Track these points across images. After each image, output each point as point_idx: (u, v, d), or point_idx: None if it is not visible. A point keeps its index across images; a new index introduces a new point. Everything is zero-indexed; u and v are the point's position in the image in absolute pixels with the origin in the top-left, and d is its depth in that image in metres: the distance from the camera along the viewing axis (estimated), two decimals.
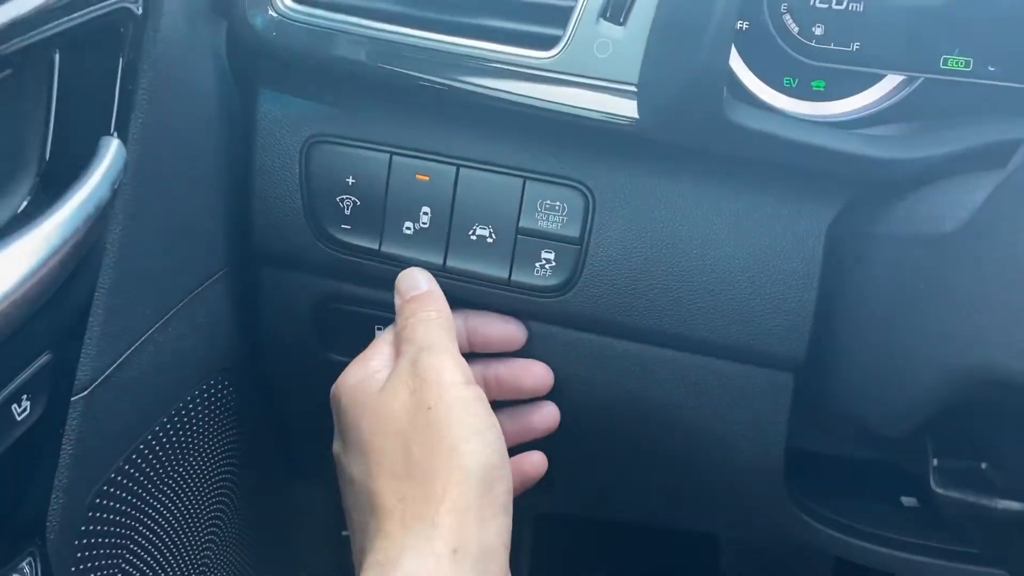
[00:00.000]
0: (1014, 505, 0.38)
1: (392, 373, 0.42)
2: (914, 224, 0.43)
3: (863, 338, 0.46)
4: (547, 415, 0.51)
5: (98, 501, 0.45)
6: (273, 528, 0.73)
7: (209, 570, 0.60)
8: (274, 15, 0.48)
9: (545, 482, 0.72)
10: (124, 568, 0.49)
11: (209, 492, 0.58)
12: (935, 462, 0.42)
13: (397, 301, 0.47)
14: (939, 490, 0.41)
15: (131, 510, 0.49)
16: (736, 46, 0.51)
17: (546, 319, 0.51)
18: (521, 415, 0.51)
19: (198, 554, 0.58)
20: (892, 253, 0.43)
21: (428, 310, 0.45)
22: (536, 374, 0.50)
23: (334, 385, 0.45)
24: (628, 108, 0.46)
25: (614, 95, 0.46)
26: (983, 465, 0.40)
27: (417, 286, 0.47)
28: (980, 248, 0.36)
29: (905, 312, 0.41)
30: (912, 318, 0.41)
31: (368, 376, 0.43)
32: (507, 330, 0.50)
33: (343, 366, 0.56)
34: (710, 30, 0.41)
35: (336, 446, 0.44)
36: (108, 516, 0.47)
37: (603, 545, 0.96)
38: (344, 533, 0.91)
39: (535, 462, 0.50)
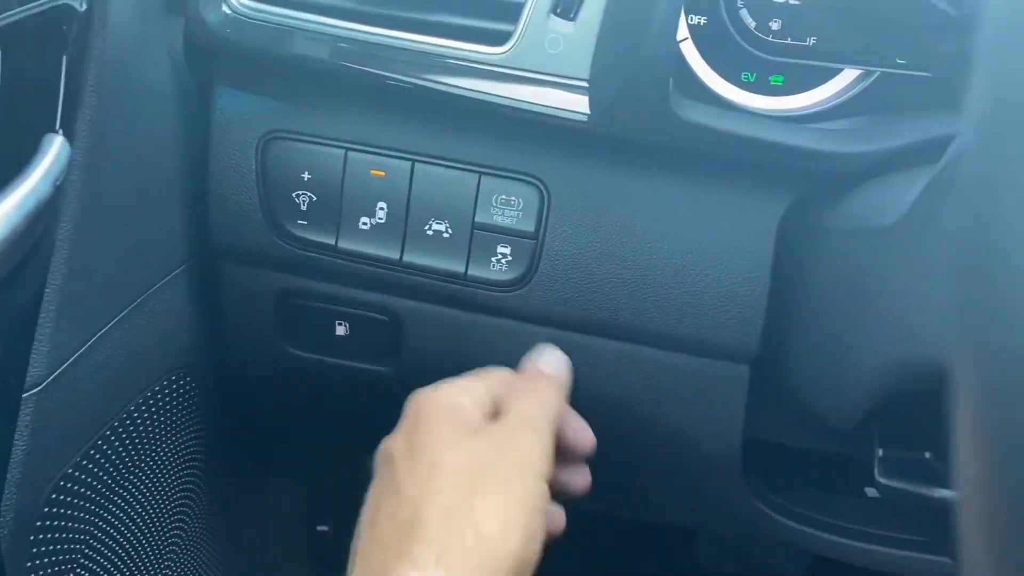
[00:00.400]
0: (952, 494, 0.38)
1: (491, 426, 0.41)
2: (860, 218, 0.43)
3: (813, 330, 0.46)
4: (584, 480, 0.48)
5: (55, 496, 0.46)
6: (243, 524, 0.73)
7: (175, 566, 0.60)
8: (228, 12, 0.48)
9: None
10: (84, 563, 0.49)
11: (173, 487, 0.58)
12: (880, 452, 0.42)
13: (530, 360, 0.46)
14: (882, 480, 0.41)
15: (91, 505, 0.49)
16: (694, 41, 0.51)
17: (503, 313, 0.51)
18: (559, 474, 0.47)
19: (163, 550, 0.58)
20: (839, 246, 0.44)
21: (551, 393, 0.44)
22: (586, 439, 0.48)
23: (422, 393, 0.43)
24: (580, 103, 0.46)
25: (565, 91, 0.46)
26: (927, 455, 0.41)
27: (552, 365, 0.46)
28: (914, 241, 0.37)
29: (850, 304, 0.42)
30: (856, 310, 0.41)
31: (461, 410, 0.42)
32: (585, 437, 0.48)
33: (305, 361, 0.57)
34: (654, 26, 0.41)
35: (396, 447, 0.42)
36: (66, 511, 0.47)
37: (584, 539, 0.96)
38: (319, 528, 0.91)
39: (556, 521, 0.47)
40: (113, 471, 0.50)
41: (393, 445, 0.42)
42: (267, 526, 0.82)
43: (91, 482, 0.49)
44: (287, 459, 0.73)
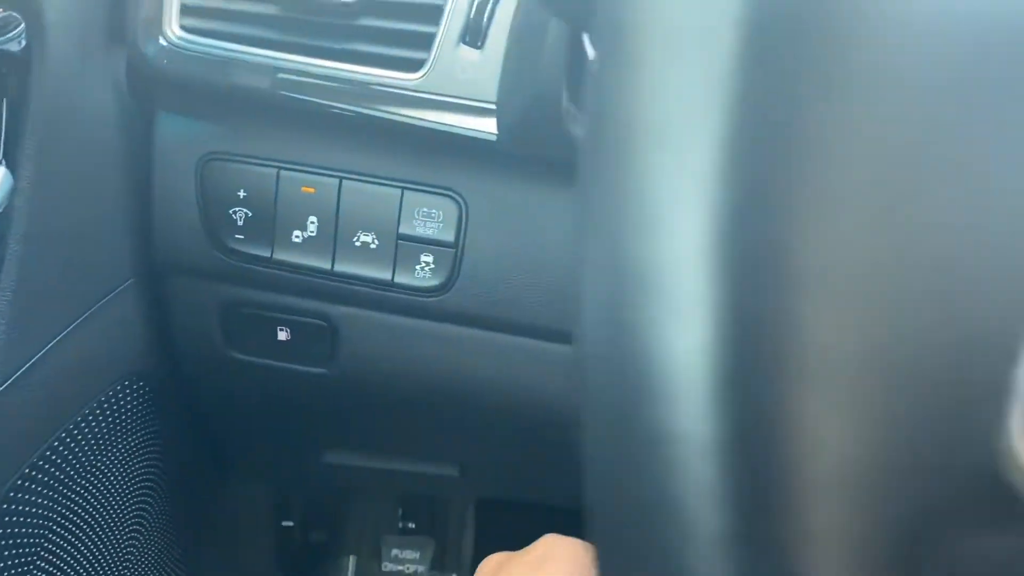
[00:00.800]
0: None
1: None
2: None
3: None
4: None
5: (13, 495, 0.49)
6: (206, 522, 0.77)
7: (133, 564, 0.64)
8: (165, 44, 0.52)
9: (460, 468, 0.77)
10: (45, 556, 0.53)
11: (131, 487, 0.62)
12: None
13: None
14: None
15: (49, 503, 0.53)
16: None
17: (430, 317, 0.55)
18: None
19: (122, 548, 0.62)
20: None
21: None
22: None
23: (557, 537, 0.43)
24: (488, 125, 0.50)
25: (475, 113, 0.50)
26: None
27: None
28: None
29: None
30: None
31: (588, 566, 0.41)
32: None
33: (250, 365, 0.61)
34: (546, 52, 0.45)
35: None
36: (24, 508, 0.51)
37: (544, 527, 1.00)
38: (285, 524, 0.95)
39: None
40: (71, 471, 0.54)
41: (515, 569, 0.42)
42: (231, 523, 0.86)
43: (50, 481, 0.52)
44: (244, 458, 0.77)
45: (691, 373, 0.13)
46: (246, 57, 0.52)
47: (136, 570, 0.64)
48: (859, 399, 0.12)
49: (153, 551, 0.67)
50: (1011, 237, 0.12)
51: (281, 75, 0.51)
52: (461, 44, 0.50)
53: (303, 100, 0.51)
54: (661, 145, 0.13)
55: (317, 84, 0.51)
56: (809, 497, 0.12)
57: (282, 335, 0.59)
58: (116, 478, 0.60)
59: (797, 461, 0.12)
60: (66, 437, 0.53)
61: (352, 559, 1.00)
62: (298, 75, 0.51)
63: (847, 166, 0.12)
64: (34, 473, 0.51)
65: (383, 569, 0.94)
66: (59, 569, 0.55)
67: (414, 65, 0.51)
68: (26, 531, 0.51)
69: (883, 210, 0.12)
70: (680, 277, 0.12)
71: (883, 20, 0.12)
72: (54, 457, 0.53)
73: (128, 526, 0.62)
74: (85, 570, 0.58)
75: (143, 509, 0.64)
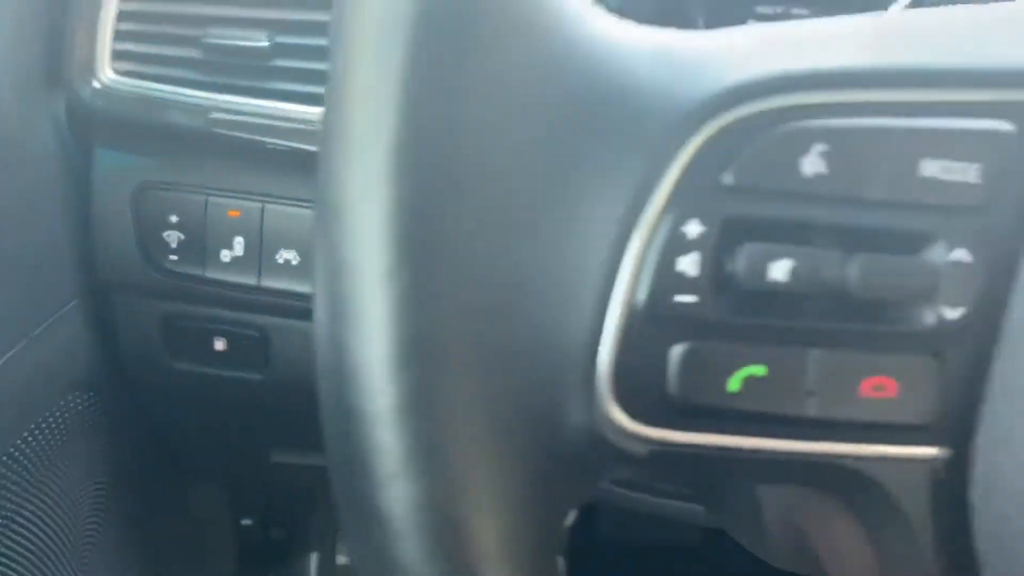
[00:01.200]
0: None
1: None
2: None
3: None
4: None
5: None
6: (164, 524, 0.82)
7: (92, 568, 0.69)
8: (99, 86, 0.57)
9: None
10: (3, 558, 0.59)
11: (86, 492, 0.67)
12: None
13: None
14: None
15: (4, 509, 0.58)
16: None
17: None
18: None
19: (79, 551, 0.67)
20: None
21: None
22: None
23: None
24: None
25: None
26: None
27: None
28: None
29: None
30: None
31: None
32: None
33: (190, 374, 0.66)
34: None
35: None
36: None
37: None
38: (244, 522, 1.00)
39: None
40: (27, 475, 0.59)
41: None
42: (191, 525, 0.91)
43: (6, 484, 0.58)
44: (196, 461, 0.82)
45: (372, 369, 0.18)
46: (174, 97, 0.57)
47: (96, 573, 0.69)
48: (482, 389, 0.18)
49: (112, 554, 0.72)
50: (582, 256, 0.18)
51: (207, 114, 0.57)
52: None
53: (227, 135, 0.57)
54: (347, 216, 0.18)
55: (239, 120, 0.57)
56: (453, 455, 0.18)
57: (219, 345, 0.65)
58: (71, 483, 0.65)
59: (441, 429, 0.18)
60: (21, 444, 0.59)
61: (315, 556, 1.05)
62: (221, 112, 0.57)
63: (458, 248, 0.18)
64: None
65: (337, 562, 1.00)
66: (18, 573, 0.60)
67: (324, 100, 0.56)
68: None
69: (487, 261, 0.18)
70: (365, 306, 0.18)
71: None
72: (11, 463, 0.58)
73: (85, 530, 0.67)
74: (45, 573, 0.63)
75: (99, 513, 0.69)
